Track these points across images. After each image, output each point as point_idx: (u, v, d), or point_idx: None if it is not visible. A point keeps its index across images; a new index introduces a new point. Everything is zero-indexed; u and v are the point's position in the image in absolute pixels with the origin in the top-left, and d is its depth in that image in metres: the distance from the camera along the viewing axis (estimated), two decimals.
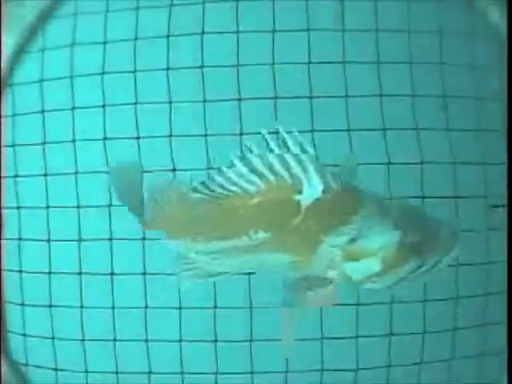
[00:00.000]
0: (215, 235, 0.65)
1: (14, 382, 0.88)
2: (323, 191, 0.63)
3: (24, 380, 0.88)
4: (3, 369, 0.87)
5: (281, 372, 0.86)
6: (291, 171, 0.63)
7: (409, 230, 0.65)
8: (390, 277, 0.67)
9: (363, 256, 0.65)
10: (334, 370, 0.86)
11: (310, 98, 0.86)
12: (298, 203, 0.63)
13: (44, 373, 0.88)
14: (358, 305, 0.86)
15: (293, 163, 0.63)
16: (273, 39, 0.85)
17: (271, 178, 0.63)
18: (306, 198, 0.63)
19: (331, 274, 0.65)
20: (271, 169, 0.64)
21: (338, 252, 0.64)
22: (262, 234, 0.63)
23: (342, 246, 0.64)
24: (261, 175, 0.64)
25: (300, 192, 0.63)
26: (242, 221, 0.64)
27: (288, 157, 0.64)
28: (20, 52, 0.86)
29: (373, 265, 0.65)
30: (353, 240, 0.64)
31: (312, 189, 0.62)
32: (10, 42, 0.86)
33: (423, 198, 0.86)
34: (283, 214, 0.63)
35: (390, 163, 0.86)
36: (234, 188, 0.65)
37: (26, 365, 0.89)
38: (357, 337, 0.86)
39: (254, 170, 0.65)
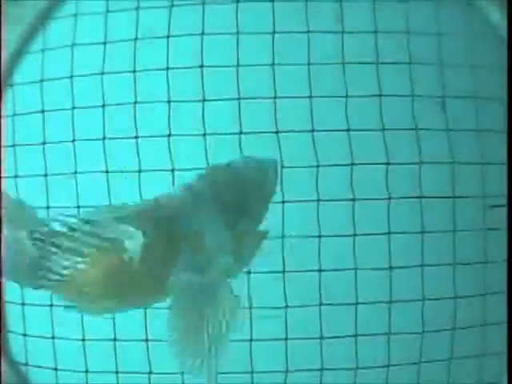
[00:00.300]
0: None
1: (14, 382, 0.88)
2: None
3: (24, 380, 0.88)
4: (3, 369, 0.88)
5: (281, 372, 0.87)
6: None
7: (229, 206, 0.66)
8: (245, 258, 0.71)
9: (204, 263, 0.66)
10: (332, 369, 0.87)
11: (310, 97, 0.86)
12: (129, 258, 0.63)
13: (44, 373, 0.89)
14: (356, 304, 0.87)
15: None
16: (272, 40, 0.86)
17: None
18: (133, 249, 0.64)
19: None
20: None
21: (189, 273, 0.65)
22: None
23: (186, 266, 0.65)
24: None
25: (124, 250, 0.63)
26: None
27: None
28: (20, 52, 0.87)
29: (228, 260, 0.67)
30: (195, 253, 0.65)
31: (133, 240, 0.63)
32: (10, 42, 0.86)
33: (421, 197, 0.86)
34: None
35: (388, 163, 0.86)
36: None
37: (26, 365, 0.89)
38: (356, 335, 0.87)
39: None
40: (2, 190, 0.87)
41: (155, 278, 0.65)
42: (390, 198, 0.86)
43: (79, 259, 0.64)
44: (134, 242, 0.63)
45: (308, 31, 0.85)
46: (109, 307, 0.67)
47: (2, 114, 0.87)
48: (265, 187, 0.68)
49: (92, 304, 0.66)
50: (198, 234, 0.64)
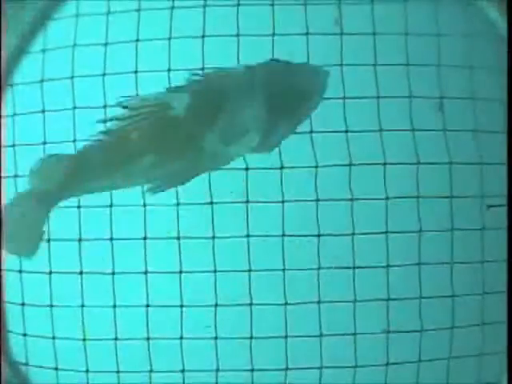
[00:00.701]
0: None
1: (14, 382, 0.88)
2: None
3: (24, 380, 0.88)
4: (3, 369, 0.88)
5: (280, 369, 0.88)
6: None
7: (276, 96, 0.72)
8: (270, 142, 0.75)
9: (242, 135, 0.72)
10: (331, 367, 0.88)
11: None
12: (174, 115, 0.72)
13: (44, 373, 0.89)
14: (354, 302, 0.88)
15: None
16: (273, 41, 0.87)
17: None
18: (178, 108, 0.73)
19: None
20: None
21: (220, 144, 0.73)
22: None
23: (220, 135, 0.73)
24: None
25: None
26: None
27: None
28: (20, 52, 0.87)
29: (252, 138, 0.72)
30: (228, 127, 0.72)
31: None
32: (10, 42, 0.86)
33: (418, 197, 0.88)
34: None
35: (385, 163, 0.87)
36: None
37: (26, 365, 0.89)
38: (354, 334, 0.88)
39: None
40: (2, 190, 0.87)
41: (192, 137, 0.72)
42: (387, 198, 0.87)
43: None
44: (180, 102, 0.73)
45: (307, 33, 0.86)
46: (148, 164, 0.75)
47: (2, 114, 0.87)
48: (314, 94, 0.73)
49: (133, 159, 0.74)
50: (238, 110, 0.70)
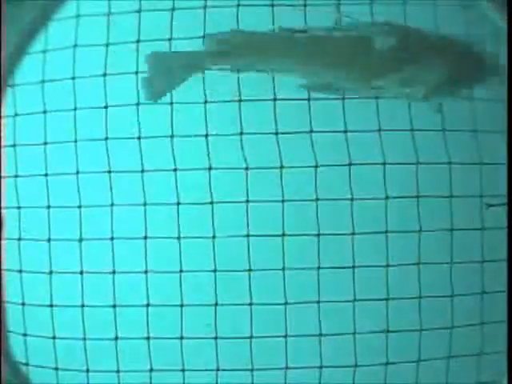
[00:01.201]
0: None
1: (14, 382, 0.88)
2: None
3: (24, 380, 0.88)
4: (3, 369, 0.88)
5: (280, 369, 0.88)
6: None
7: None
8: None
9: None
10: (331, 367, 0.88)
11: (308, 100, 0.87)
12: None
13: (44, 373, 0.89)
14: (354, 301, 0.88)
15: None
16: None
17: None
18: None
19: None
20: None
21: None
22: None
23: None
24: None
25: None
26: None
27: None
28: (20, 52, 0.87)
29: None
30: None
31: None
32: (10, 42, 0.86)
33: (418, 197, 0.88)
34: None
35: (385, 163, 0.88)
36: None
37: (27, 365, 0.89)
38: (354, 333, 0.88)
39: None
40: (3, 190, 0.88)
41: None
42: (387, 198, 0.87)
43: None
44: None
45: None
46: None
47: (2, 114, 0.87)
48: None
49: None
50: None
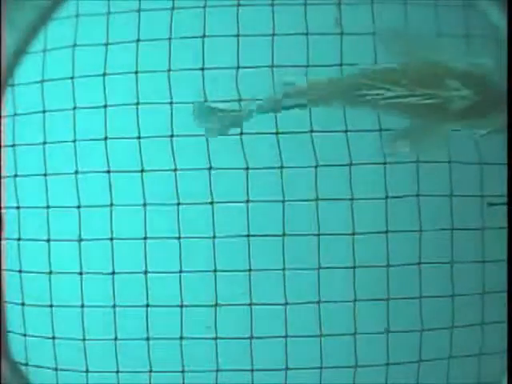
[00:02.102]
0: None
1: (14, 382, 0.88)
2: None
3: (24, 380, 0.88)
4: (3, 369, 0.88)
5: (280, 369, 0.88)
6: None
7: None
8: None
9: None
10: (331, 367, 0.88)
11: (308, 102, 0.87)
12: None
13: (44, 373, 0.89)
14: (355, 301, 0.88)
15: None
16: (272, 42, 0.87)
17: None
18: None
19: None
20: None
21: None
22: None
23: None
24: None
25: None
26: None
27: None
28: (20, 52, 0.87)
29: None
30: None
31: None
32: (10, 42, 0.86)
33: (418, 195, 0.88)
34: None
35: (385, 163, 0.88)
36: None
37: (26, 365, 0.89)
38: (355, 333, 0.88)
39: None
40: (3, 190, 0.88)
41: None
42: (387, 197, 0.87)
43: None
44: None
45: (307, 33, 0.87)
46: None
47: (2, 114, 0.87)
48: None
49: None
50: None
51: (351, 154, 0.87)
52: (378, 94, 0.75)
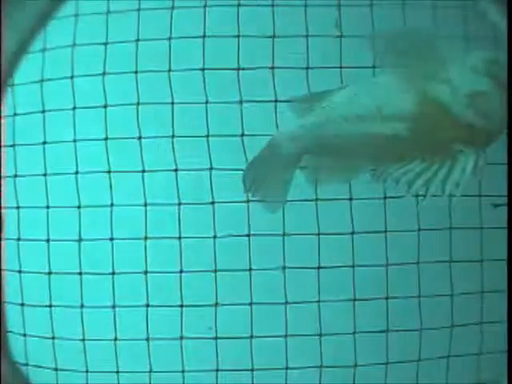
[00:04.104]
0: None
1: (14, 381, 0.88)
2: None
3: (24, 380, 0.88)
4: (3, 369, 0.87)
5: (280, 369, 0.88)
6: None
7: None
8: None
9: None
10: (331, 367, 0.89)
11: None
12: None
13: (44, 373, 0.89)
14: (354, 300, 0.88)
15: None
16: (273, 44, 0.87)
17: None
18: None
19: None
20: None
21: None
22: None
23: None
24: None
25: None
26: None
27: None
28: (20, 52, 0.87)
29: None
30: None
31: None
32: (10, 42, 0.86)
33: (417, 196, 0.88)
34: None
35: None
36: None
37: (26, 365, 0.89)
38: (354, 333, 0.89)
39: None
40: (3, 190, 0.87)
41: None
42: (385, 198, 0.88)
43: None
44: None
45: (307, 35, 0.87)
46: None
47: (2, 114, 0.87)
48: None
49: None
50: None
51: None
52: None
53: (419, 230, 0.88)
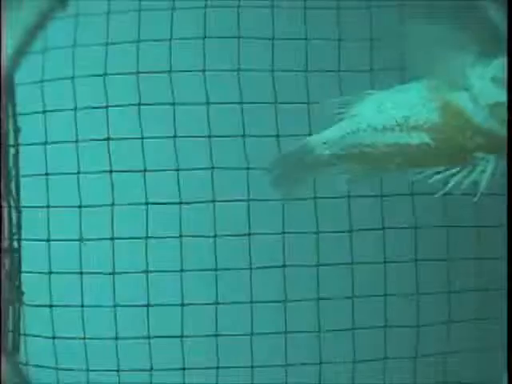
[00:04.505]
0: None
1: (14, 381, 0.88)
2: None
3: (24, 380, 0.88)
4: (3, 368, 0.87)
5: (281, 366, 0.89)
6: None
7: None
8: None
9: None
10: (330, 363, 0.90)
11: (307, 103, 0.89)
12: None
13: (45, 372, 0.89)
14: (353, 297, 0.90)
15: None
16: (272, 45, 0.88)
17: None
18: None
19: None
20: None
21: None
22: None
23: None
24: None
25: None
26: None
27: None
28: (20, 52, 0.87)
29: None
30: None
31: None
32: (10, 43, 0.86)
33: (413, 195, 0.90)
34: None
35: None
36: None
37: (26, 364, 0.89)
38: (353, 328, 0.90)
39: None
40: (3, 190, 0.87)
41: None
42: (382, 196, 0.89)
43: None
44: None
45: (306, 38, 0.88)
46: None
47: (2, 115, 0.87)
48: None
49: None
50: None
51: None
52: None
53: (416, 227, 0.90)
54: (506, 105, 0.57)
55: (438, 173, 0.58)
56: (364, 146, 0.60)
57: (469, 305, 0.88)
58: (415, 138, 0.58)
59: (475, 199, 0.56)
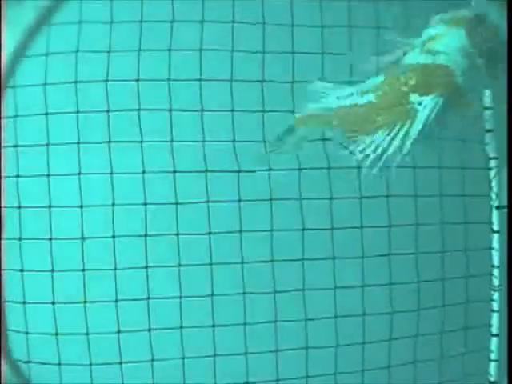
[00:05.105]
0: None
1: (14, 381, 0.88)
2: None
3: (25, 378, 0.88)
4: (3, 368, 0.87)
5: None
6: None
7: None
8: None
9: None
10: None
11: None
12: None
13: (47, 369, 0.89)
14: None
15: None
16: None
17: None
18: None
19: None
20: None
21: None
22: None
23: None
24: None
25: None
26: None
27: None
28: (20, 53, 0.87)
29: None
30: None
31: None
32: (10, 43, 0.86)
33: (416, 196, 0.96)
34: None
35: None
36: None
37: (28, 362, 0.89)
38: (363, 314, 0.95)
39: None
40: (3, 190, 0.88)
41: None
42: (387, 196, 0.94)
43: None
44: None
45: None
46: None
47: (3, 115, 0.87)
48: None
49: None
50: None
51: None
52: None
53: (417, 224, 0.96)
54: (437, 38, 0.69)
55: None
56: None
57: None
58: (364, 99, 0.70)
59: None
